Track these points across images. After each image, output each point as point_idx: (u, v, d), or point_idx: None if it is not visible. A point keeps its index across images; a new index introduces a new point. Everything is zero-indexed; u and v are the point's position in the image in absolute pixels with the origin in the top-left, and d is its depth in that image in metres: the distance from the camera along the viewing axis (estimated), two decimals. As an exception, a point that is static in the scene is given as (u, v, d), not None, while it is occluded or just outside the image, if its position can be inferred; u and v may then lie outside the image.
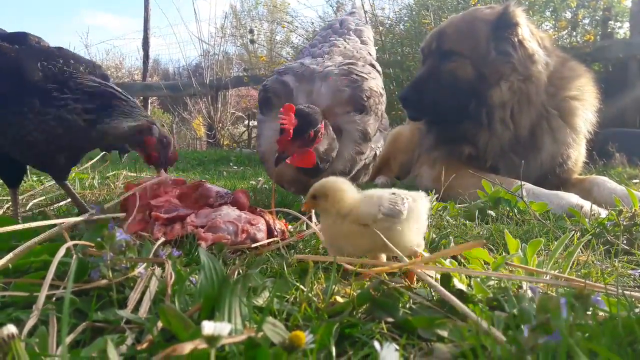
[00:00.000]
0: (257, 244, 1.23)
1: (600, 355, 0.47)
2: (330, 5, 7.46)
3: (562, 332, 0.46)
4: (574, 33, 6.24)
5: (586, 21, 6.62)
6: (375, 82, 1.64)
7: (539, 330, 0.48)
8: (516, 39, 2.22)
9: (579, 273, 1.00)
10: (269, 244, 1.25)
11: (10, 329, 0.57)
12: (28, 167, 1.68)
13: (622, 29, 6.78)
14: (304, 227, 1.38)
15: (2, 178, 1.57)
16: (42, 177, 2.69)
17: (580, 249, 1.24)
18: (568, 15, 6.51)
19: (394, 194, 1.02)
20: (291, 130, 1.27)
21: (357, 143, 1.53)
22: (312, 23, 7.33)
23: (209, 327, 0.52)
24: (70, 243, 0.93)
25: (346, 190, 1.01)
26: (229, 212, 1.30)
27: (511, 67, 2.21)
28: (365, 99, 1.55)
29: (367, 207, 0.97)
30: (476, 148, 2.32)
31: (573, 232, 1.20)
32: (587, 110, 2.35)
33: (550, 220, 1.58)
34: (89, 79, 1.44)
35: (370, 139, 1.58)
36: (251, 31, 8.37)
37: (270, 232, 1.31)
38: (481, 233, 1.41)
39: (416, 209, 1.00)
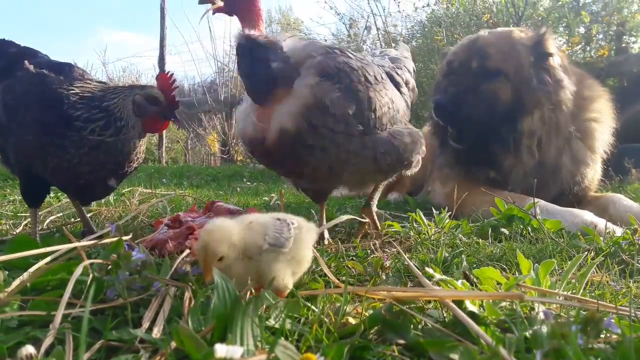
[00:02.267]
0: None
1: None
2: (344, 23, 7.55)
3: (573, 358, 0.46)
4: (588, 48, 6.23)
5: (600, 36, 6.60)
6: None
7: (552, 356, 0.48)
8: (549, 67, 2.22)
9: (593, 294, 0.99)
10: None
11: (29, 349, 0.58)
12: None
13: (637, 44, 6.75)
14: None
15: (27, 197, 1.61)
16: (59, 194, 2.74)
17: (595, 269, 1.23)
18: (582, 30, 6.50)
19: (278, 219, 0.93)
20: None
21: None
22: (325, 40, 7.41)
23: (221, 350, 0.53)
24: (86, 262, 0.94)
25: (224, 240, 0.85)
26: None
27: (547, 97, 2.20)
28: None
29: (253, 237, 0.87)
30: (500, 172, 2.30)
31: (587, 252, 1.20)
32: (605, 133, 2.35)
33: (564, 238, 1.57)
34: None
35: None
36: (265, 48, 8.46)
37: None
38: (494, 252, 1.40)
39: (300, 238, 0.90)
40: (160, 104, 1.50)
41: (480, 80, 2.25)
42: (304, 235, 0.93)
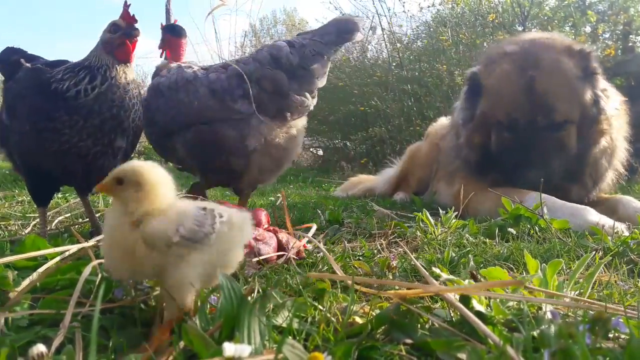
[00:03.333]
0: (262, 257, 1.25)
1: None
2: (348, 23, 7.53)
3: (580, 357, 0.46)
4: (594, 47, 6.19)
5: (606, 35, 6.57)
6: None
7: (560, 356, 0.48)
8: (601, 91, 2.20)
9: (601, 294, 0.98)
10: (277, 259, 1.27)
11: (40, 348, 0.59)
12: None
13: (645, 43, 6.70)
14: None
15: (35, 197, 1.63)
16: (67, 195, 2.75)
17: (603, 269, 1.23)
18: (588, 29, 6.47)
19: (204, 209, 0.78)
20: None
21: None
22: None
23: (229, 349, 0.53)
24: (95, 262, 0.95)
25: (166, 188, 0.77)
26: None
27: (607, 123, 2.19)
28: None
29: (161, 224, 0.73)
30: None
31: (595, 252, 1.19)
32: (623, 145, 2.35)
33: (572, 238, 1.56)
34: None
35: None
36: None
37: (281, 250, 1.33)
38: (501, 251, 1.40)
39: (228, 237, 0.77)
40: (122, 28, 1.51)
41: (548, 133, 2.12)
42: (235, 234, 0.79)
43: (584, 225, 1.77)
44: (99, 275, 0.92)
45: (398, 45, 6.27)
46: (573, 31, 6.46)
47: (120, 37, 1.50)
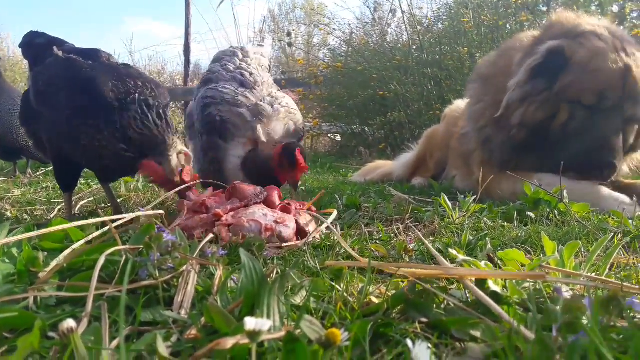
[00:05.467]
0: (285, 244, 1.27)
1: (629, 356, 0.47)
2: (368, 7, 7.47)
3: (587, 331, 0.47)
4: (622, 27, 6.03)
5: (634, 15, 6.38)
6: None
7: (565, 330, 0.49)
8: None
9: (619, 276, 0.98)
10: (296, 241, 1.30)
11: (70, 323, 0.62)
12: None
13: (674, 22, 6.50)
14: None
15: (61, 183, 1.67)
16: (89, 180, 2.82)
17: (622, 251, 1.22)
18: (615, 9, 6.29)
19: None
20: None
21: None
22: (349, 25, 7.35)
23: (250, 323, 0.55)
24: (121, 247, 0.98)
25: None
26: (255, 211, 1.35)
27: None
28: (303, 130, 1.98)
29: None
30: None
31: (613, 234, 1.18)
32: None
33: (592, 221, 1.55)
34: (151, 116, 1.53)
35: None
36: (289, 34, 8.48)
37: (301, 232, 1.35)
38: (519, 235, 1.40)
39: None
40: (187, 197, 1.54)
41: (628, 125, 2.13)
42: None
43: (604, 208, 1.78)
44: (123, 257, 0.96)
45: (418, 28, 6.18)
46: (599, 10, 6.30)
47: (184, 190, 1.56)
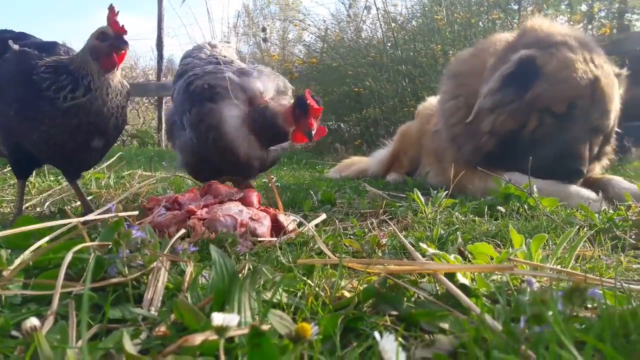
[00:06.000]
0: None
1: (590, 345, 0.49)
2: (342, 3, 7.47)
3: (551, 322, 0.48)
4: (590, 26, 6.17)
5: (602, 14, 6.54)
6: None
7: (533, 321, 0.50)
8: None
9: (584, 267, 1.01)
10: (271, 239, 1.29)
11: (33, 321, 0.60)
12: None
13: (640, 22, 6.69)
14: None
15: (15, 169, 1.66)
16: (59, 178, 2.75)
17: (588, 244, 1.25)
18: (583, 8, 6.44)
19: None
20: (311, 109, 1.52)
21: None
22: (324, 21, 7.34)
23: (218, 318, 0.55)
24: (89, 244, 0.96)
25: None
26: (231, 207, 1.34)
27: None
28: (290, 88, 1.83)
29: None
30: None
31: (578, 226, 1.21)
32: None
33: (560, 215, 1.59)
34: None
35: None
36: (264, 30, 8.40)
37: (278, 230, 1.34)
38: (489, 229, 1.42)
39: None
40: (110, 38, 1.49)
41: (594, 136, 2.20)
42: None
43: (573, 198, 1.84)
44: (92, 254, 0.94)
45: (392, 25, 6.21)
46: (569, 10, 6.44)
47: (108, 47, 1.49)
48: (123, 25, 1.49)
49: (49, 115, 1.43)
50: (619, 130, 2.37)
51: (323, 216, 1.52)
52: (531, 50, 2.20)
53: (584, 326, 0.61)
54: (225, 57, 1.97)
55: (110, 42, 1.49)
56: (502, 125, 2.23)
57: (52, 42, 1.64)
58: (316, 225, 1.47)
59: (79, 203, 1.90)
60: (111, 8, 1.49)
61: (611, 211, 1.59)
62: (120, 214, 1.23)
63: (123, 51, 1.51)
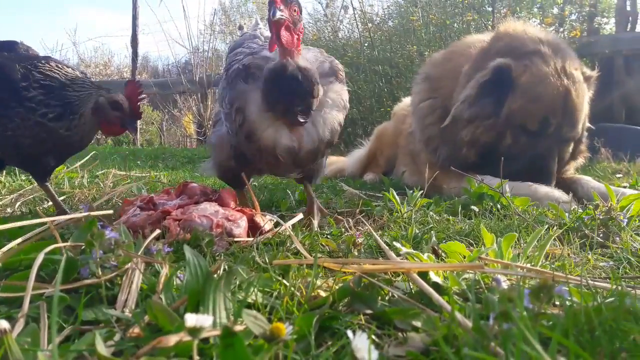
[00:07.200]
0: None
1: (555, 342, 0.50)
2: (320, 2, 7.48)
3: (516, 319, 0.50)
4: (561, 29, 6.32)
5: (573, 17, 6.70)
6: None
7: (501, 318, 0.52)
8: None
9: (553, 266, 1.04)
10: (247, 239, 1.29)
11: (3, 324, 0.59)
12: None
13: (609, 25, 6.88)
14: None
15: None
16: (30, 177, 2.69)
17: (558, 243, 1.29)
18: (555, 11, 6.59)
19: None
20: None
21: (339, 111, 1.50)
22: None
23: (191, 319, 0.55)
24: (61, 244, 0.95)
25: None
26: (207, 207, 1.33)
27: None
28: (342, 70, 1.56)
29: None
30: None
31: (548, 226, 1.25)
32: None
33: (531, 215, 1.63)
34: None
35: (347, 108, 1.55)
36: (240, 28, 8.30)
37: (254, 230, 1.34)
38: (463, 228, 1.45)
39: None
40: (122, 110, 1.50)
41: (564, 145, 2.29)
42: None
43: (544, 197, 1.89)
44: (64, 255, 0.92)
45: (369, 25, 6.25)
46: (540, 13, 6.58)
47: (117, 120, 1.50)
48: (140, 107, 1.51)
49: (22, 117, 1.41)
50: (590, 126, 2.43)
51: (300, 216, 1.52)
52: (506, 59, 2.24)
53: (551, 323, 0.63)
54: None
55: (121, 118, 1.50)
56: (481, 136, 2.29)
57: (11, 41, 1.64)
58: (293, 225, 1.48)
59: (51, 203, 1.86)
60: (135, 83, 1.51)
61: (580, 210, 1.64)
62: (94, 213, 1.22)
63: (126, 130, 1.54)
